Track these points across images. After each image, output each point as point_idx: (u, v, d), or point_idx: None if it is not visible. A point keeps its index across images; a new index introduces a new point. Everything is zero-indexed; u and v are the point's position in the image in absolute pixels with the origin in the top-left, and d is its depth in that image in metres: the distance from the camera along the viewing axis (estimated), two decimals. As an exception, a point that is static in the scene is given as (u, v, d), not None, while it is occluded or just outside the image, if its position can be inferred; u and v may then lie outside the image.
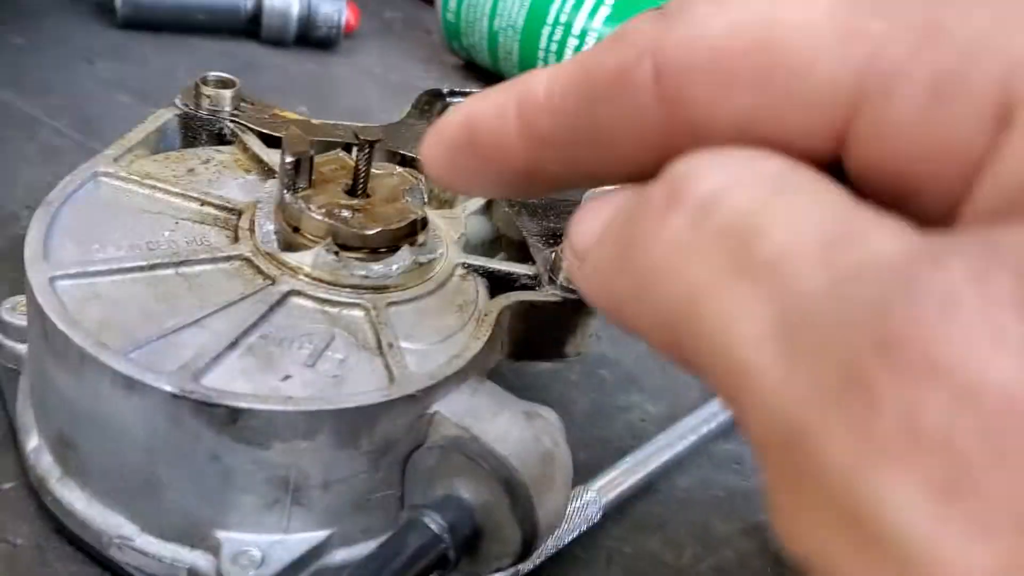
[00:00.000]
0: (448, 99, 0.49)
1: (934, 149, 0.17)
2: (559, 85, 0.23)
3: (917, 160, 0.18)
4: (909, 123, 0.18)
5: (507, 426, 0.32)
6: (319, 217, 0.35)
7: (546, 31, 0.67)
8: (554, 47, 0.67)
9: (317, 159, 0.37)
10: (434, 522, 0.31)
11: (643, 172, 0.22)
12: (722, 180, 0.18)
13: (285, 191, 0.36)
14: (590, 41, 0.65)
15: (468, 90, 0.51)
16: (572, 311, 0.39)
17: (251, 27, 0.72)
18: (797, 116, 0.19)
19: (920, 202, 0.18)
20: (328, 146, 0.43)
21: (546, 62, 0.68)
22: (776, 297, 0.16)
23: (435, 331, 0.35)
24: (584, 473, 0.38)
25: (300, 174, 0.36)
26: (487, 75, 0.76)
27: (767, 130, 0.20)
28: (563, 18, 0.66)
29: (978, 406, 0.13)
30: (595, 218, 0.22)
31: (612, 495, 0.39)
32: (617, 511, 0.40)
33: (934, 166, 0.18)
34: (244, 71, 0.70)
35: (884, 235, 0.16)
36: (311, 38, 0.73)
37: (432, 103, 0.49)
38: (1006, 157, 0.16)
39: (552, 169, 0.24)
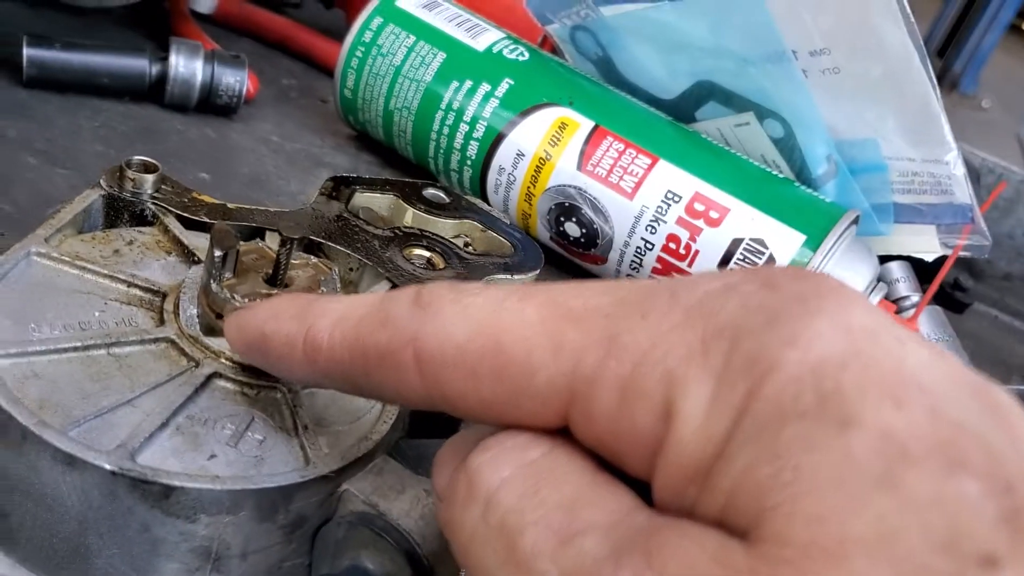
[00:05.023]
0: (352, 186, 0.53)
1: (626, 434, 0.23)
2: (338, 339, 0.29)
3: (617, 442, 0.24)
4: (607, 416, 0.23)
5: (410, 503, 0.36)
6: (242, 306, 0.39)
7: (439, 115, 0.71)
8: (446, 130, 0.71)
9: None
10: (343, 590, 0.34)
11: (410, 402, 0.28)
12: (498, 479, 0.24)
13: (212, 281, 0.39)
14: (480, 128, 0.70)
15: (369, 178, 0.55)
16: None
17: (154, 92, 0.74)
18: (528, 404, 0.25)
19: (629, 467, 0.24)
20: (242, 228, 0.46)
21: (438, 143, 0.72)
22: None
23: (346, 414, 0.38)
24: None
25: (226, 266, 0.39)
26: (381, 147, 0.80)
27: (507, 410, 0.25)
28: (456, 104, 0.71)
29: None
30: (442, 473, 0.27)
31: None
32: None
33: (629, 447, 0.23)
34: (146, 135, 0.73)
35: (594, 537, 0.22)
36: (212, 105, 0.76)
37: (338, 189, 0.53)
38: (669, 446, 0.22)
39: (330, 386, 0.31)
